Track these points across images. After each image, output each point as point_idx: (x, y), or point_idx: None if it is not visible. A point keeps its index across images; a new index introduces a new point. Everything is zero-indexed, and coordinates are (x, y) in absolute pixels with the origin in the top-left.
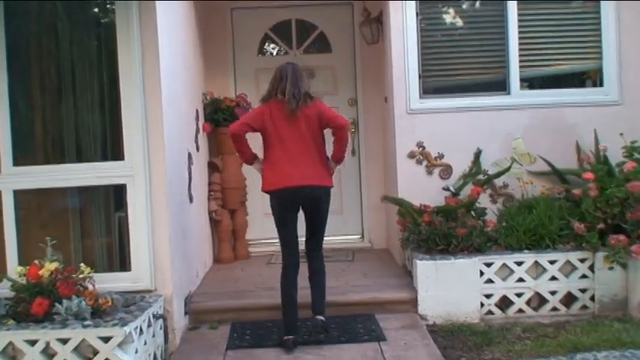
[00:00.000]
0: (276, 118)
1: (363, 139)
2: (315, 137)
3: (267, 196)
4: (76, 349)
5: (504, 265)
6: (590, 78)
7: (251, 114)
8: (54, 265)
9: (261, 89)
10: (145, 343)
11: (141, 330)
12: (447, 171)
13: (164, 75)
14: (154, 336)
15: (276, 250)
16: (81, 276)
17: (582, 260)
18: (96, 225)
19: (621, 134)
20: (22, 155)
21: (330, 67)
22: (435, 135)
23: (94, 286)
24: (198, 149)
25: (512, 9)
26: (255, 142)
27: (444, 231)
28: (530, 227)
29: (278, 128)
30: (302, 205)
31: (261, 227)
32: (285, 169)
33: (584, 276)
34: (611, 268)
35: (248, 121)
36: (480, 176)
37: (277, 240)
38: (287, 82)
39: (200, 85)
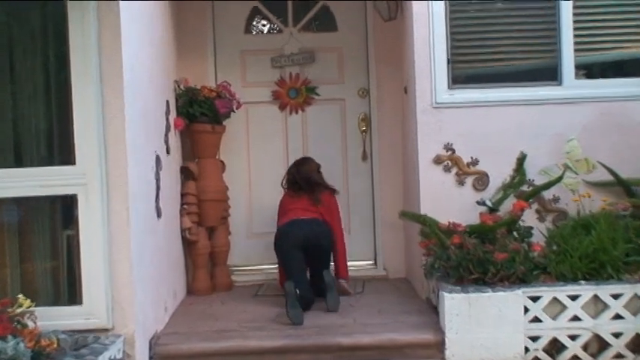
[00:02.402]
0: None
1: (377, 140)
2: None
3: (254, 212)
4: None
5: (555, 299)
6: None
7: None
8: None
9: (248, 76)
10: None
11: None
12: (482, 180)
13: (126, 56)
14: None
15: (265, 280)
16: (18, 310)
17: None
18: (38, 246)
19: None
20: None
21: (336, 49)
22: (467, 135)
23: (35, 323)
24: (168, 151)
25: None
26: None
27: (478, 256)
28: (587, 252)
29: None
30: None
31: (246, 250)
32: None
33: None
34: None
35: None
36: (525, 187)
37: (267, 267)
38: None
39: (172, 71)
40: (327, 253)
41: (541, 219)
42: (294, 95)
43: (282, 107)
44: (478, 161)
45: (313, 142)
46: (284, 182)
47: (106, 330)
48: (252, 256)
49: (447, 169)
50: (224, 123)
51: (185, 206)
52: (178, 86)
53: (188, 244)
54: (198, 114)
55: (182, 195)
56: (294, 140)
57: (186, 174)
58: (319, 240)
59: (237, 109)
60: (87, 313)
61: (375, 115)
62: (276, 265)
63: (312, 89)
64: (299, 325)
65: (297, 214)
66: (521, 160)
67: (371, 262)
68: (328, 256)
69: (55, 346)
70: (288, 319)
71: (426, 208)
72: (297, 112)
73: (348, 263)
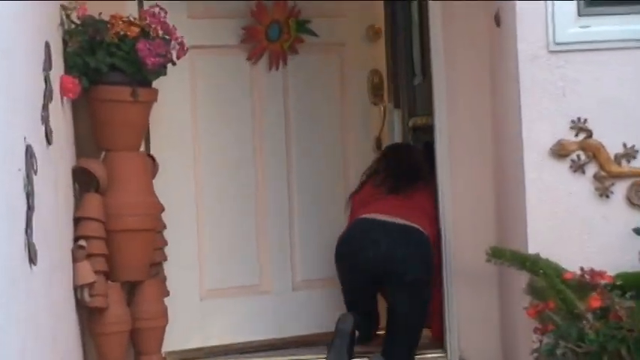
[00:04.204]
0: None
1: (445, 113)
2: None
3: (209, 251)
4: None
5: None
6: None
7: None
8: None
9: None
10: None
11: None
12: None
13: None
14: None
15: None
16: None
17: None
18: None
19: None
20: None
21: None
22: (615, 104)
23: None
24: (49, 139)
25: None
26: None
27: (638, 332)
28: None
29: None
30: None
31: (198, 323)
32: None
33: None
34: None
35: None
36: None
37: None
38: None
39: None
40: (417, 299)
41: None
42: (276, 35)
43: (254, 56)
44: (637, 152)
45: (302, 120)
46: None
47: None
48: (209, 333)
49: (578, 168)
50: (154, 84)
51: (82, 242)
52: (68, 17)
53: (89, 315)
54: (106, 68)
55: (76, 221)
56: (272, 116)
57: (83, 181)
58: (399, 269)
59: (179, 57)
60: None
61: (441, 67)
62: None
63: (303, 25)
64: None
65: (377, 208)
66: None
67: (434, 343)
68: (418, 307)
69: None
70: None
71: (539, 242)
72: (277, 67)
73: None
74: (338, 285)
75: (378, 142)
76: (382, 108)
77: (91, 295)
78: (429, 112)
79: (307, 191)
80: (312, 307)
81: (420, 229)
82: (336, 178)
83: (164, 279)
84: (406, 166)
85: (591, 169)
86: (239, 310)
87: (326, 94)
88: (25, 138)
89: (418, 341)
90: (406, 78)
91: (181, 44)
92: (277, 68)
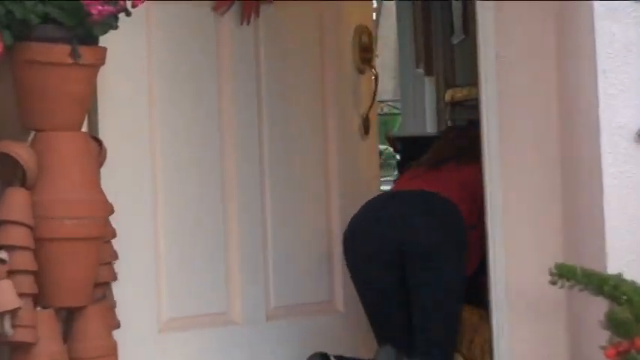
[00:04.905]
0: None
1: (494, 82)
2: None
3: (172, 265)
4: None
5: None
6: None
7: None
8: None
9: None
10: None
11: None
12: None
13: None
14: None
15: None
16: None
17: None
18: None
19: None
20: None
21: None
22: None
23: None
24: None
25: None
26: None
27: None
28: None
29: None
30: None
31: (158, 358)
32: None
33: None
34: None
35: None
36: None
37: None
38: None
39: None
40: (439, 274)
41: None
42: None
43: (222, 6)
44: None
45: (275, 101)
46: None
47: None
48: None
49: None
50: (102, 41)
51: (3, 255)
52: None
53: (12, 353)
54: (37, 19)
55: None
56: (243, 85)
57: (5, 172)
58: (406, 238)
59: (135, 6)
60: None
61: (489, 20)
62: None
63: None
64: None
65: (400, 184)
66: None
67: None
68: (442, 285)
69: None
70: None
71: (621, 258)
72: (248, 20)
73: None
74: (321, 313)
75: (366, 123)
76: (373, 77)
77: (14, 326)
78: (472, 81)
79: (283, 195)
80: (289, 340)
81: (440, 194)
82: (316, 176)
83: (113, 305)
84: (451, 147)
85: None
86: (202, 345)
87: (303, 58)
88: None
89: (454, 333)
90: (442, 36)
91: None
92: (249, 22)
